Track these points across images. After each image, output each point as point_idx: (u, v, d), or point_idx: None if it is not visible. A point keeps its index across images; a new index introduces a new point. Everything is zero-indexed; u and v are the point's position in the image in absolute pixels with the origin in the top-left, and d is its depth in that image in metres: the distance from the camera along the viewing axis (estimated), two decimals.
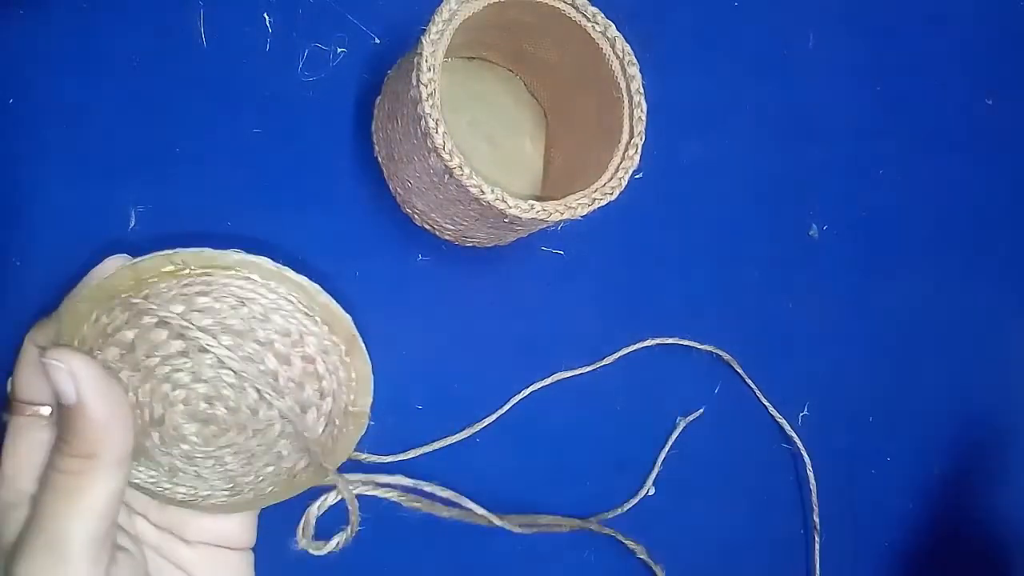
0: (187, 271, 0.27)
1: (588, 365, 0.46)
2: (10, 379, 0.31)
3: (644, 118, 0.38)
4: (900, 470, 0.54)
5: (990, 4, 0.62)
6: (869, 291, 0.55)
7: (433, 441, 0.42)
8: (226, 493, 0.31)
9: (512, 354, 0.45)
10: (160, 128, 0.39)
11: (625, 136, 0.38)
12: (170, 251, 0.27)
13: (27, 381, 0.29)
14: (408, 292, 0.43)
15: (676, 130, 0.49)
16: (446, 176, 0.35)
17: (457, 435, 0.43)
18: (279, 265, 0.27)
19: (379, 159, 0.42)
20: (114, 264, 0.29)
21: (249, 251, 0.28)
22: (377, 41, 0.43)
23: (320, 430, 0.30)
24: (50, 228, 0.37)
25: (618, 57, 0.38)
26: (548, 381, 0.45)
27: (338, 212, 0.42)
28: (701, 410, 0.48)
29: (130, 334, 0.27)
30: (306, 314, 0.28)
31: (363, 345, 0.29)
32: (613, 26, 0.38)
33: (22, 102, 0.37)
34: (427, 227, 0.42)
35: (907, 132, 0.57)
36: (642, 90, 0.38)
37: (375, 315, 0.42)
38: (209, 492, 0.30)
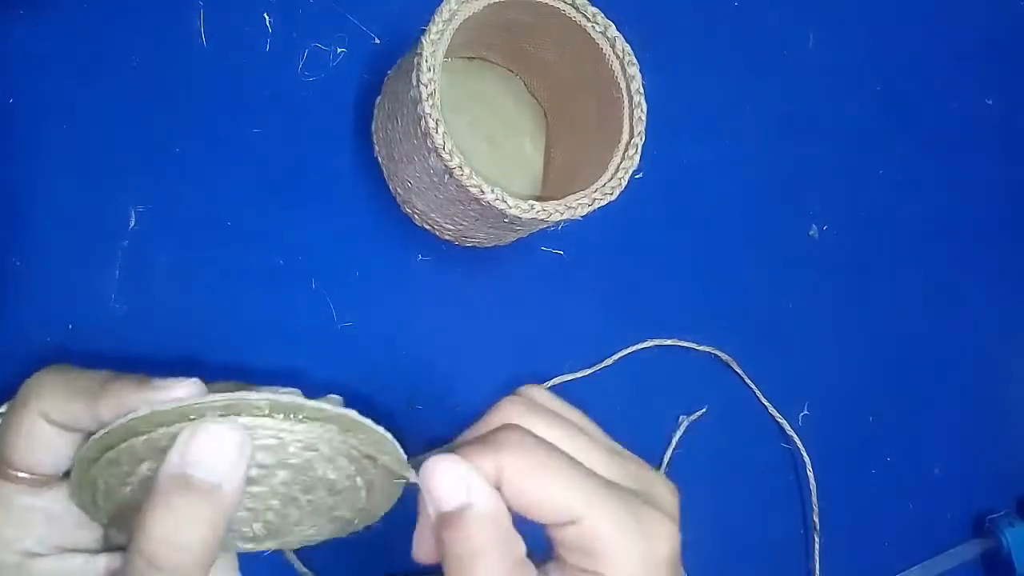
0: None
1: (588, 368, 0.46)
2: None
3: (644, 118, 0.38)
4: (900, 470, 0.54)
5: (990, 4, 0.62)
6: (869, 291, 0.55)
7: (434, 442, 0.42)
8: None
9: (512, 354, 0.45)
10: (160, 128, 0.39)
11: (625, 136, 0.38)
12: (258, 395, 0.25)
13: (21, 446, 0.27)
14: (408, 292, 0.43)
15: (676, 130, 0.49)
16: (446, 176, 0.35)
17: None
18: (363, 419, 0.27)
19: (379, 159, 0.42)
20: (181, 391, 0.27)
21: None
22: (377, 41, 0.43)
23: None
24: (50, 228, 0.37)
25: (618, 57, 0.38)
26: (548, 384, 0.45)
27: (338, 212, 0.42)
28: (704, 409, 0.48)
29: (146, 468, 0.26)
30: (367, 457, 0.28)
31: (403, 455, 0.29)
32: (613, 26, 0.38)
33: (22, 102, 0.37)
34: (427, 227, 0.42)
35: (907, 132, 0.57)
36: (642, 90, 0.38)
37: (375, 315, 0.42)
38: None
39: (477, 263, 0.44)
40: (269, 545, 0.30)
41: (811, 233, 0.53)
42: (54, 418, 0.27)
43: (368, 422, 0.27)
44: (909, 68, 0.58)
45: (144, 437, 0.25)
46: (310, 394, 0.27)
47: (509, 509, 0.26)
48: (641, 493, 0.27)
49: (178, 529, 0.24)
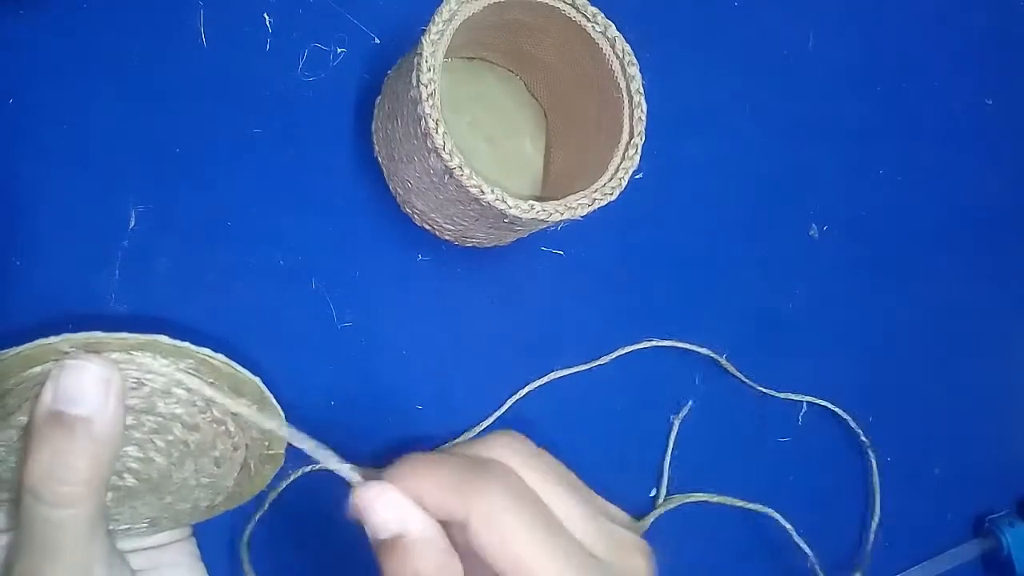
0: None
1: (586, 363, 0.46)
2: None
3: (644, 118, 0.38)
4: (900, 469, 0.54)
5: (990, 4, 0.62)
6: (869, 291, 0.55)
7: (433, 442, 0.42)
8: (144, 526, 0.31)
9: (512, 354, 0.45)
10: (160, 128, 0.39)
11: (625, 136, 0.38)
12: (57, 337, 0.25)
13: None
14: (408, 292, 0.43)
15: (676, 130, 0.49)
16: (446, 176, 0.35)
17: (458, 438, 0.43)
18: (177, 342, 0.27)
19: (379, 159, 0.42)
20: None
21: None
22: (377, 41, 0.43)
23: (235, 474, 0.31)
24: (50, 228, 0.37)
25: (618, 57, 0.38)
26: (545, 380, 0.45)
27: (338, 212, 0.42)
28: (689, 404, 0.48)
29: (24, 419, 0.26)
30: (210, 384, 0.28)
31: (274, 400, 0.29)
32: (613, 26, 0.38)
33: (22, 102, 0.37)
34: (427, 227, 0.42)
35: (907, 132, 0.57)
36: (642, 90, 0.38)
37: (375, 315, 0.42)
38: (128, 526, 0.31)
39: (477, 263, 0.44)
40: (151, 515, 0.30)
41: (811, 233, 0.53)
42: None
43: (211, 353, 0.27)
44: (909, 68, 0.58)
45: None
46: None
47: (468, 546, 0.25)
48: (614, 565, 0.26)
49: (55, 462, 0.24)
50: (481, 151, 0.44)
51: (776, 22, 0.54)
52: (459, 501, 0.24)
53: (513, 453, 0.26)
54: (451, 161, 0.34)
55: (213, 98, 0.40)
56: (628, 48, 0.38)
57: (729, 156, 0.52)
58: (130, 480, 0.29)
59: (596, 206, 0.37)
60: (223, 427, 0.29)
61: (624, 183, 0.37)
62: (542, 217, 0.36)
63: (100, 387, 0.25)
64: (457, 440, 0.43)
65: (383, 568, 0.25)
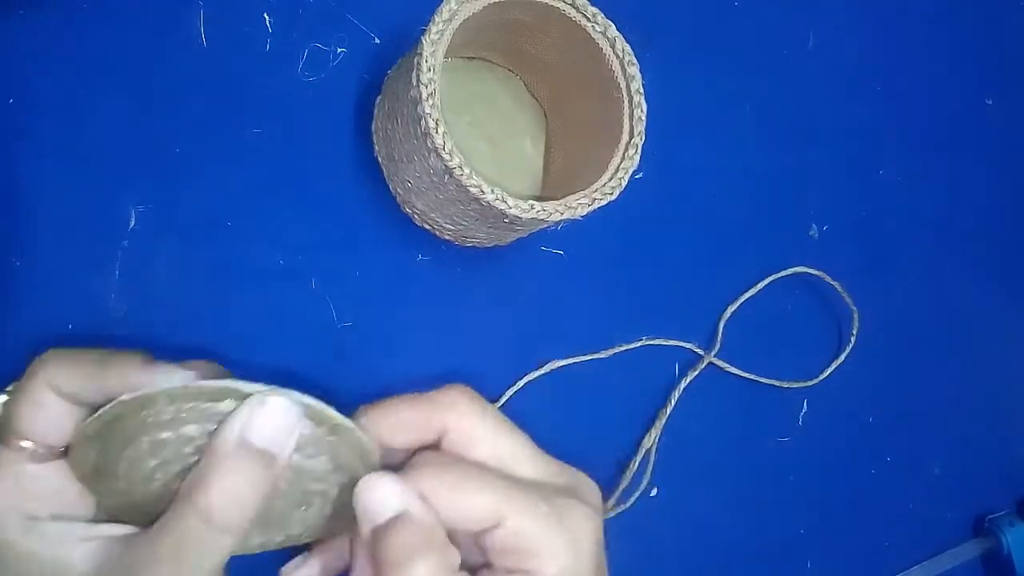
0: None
1: (583, 355, 0.46)
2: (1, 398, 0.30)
3: (644, 118, 0.38)
4: (900, 470, 0.54)
5: (990, 4, 0.62)
6: (869, 291, 0.55)
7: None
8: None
9: (512, 354, 0.45)
10: (160, 128, 0.39)
11: (625, 136, 0.38)
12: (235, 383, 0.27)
13: (30, 418, 0.28)
14: (408, 292, 0.43)
15: (676, 130, 0.49)
16: (446, 176, 0.35)
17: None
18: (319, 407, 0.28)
19: (379, 159, 0.42)
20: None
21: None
22: (377, 41, 0.43)
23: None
24: (50, 228, 0.37)
25: (618, 57, 0.38)
26: (540, 372, 0.45)
27: (338, 212, 0.42)
28: (672, 401, 0.48)
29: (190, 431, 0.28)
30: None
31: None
32: (613, 26, 0.38)
33: (22, 102, 0.37)
34: (427, 227, 0.42)
35: (907, 132, 0.57)
36: (642, 90, 0.38)
37: (375, 315, 0.42)
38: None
39: (477, 263, 0.44)
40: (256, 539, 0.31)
41: (811, 233, 0.53)
42: (62, 388, 0.28)
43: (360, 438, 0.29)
44: (909, 68, 0.58)
45: (147, 413, 0.26)
46: (304, 392, 0.28)
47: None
48: (564, 489, 0.29)
49: (236, 490, 0.26)
50: (481, 151, 0.44)
51: (776, 22, 0.54)
52: (434, 420, 0.29)
53: (467, 398, 0.30)
54: (451, 161, 0.34)
55: (213, 98, 0.40)
56: (628, 48, 0.38)
57: (729, 156, 0.52)
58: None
59: (596, 206, 0.37)
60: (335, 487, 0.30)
61: (624, 183, 0.37)
62: (542, 217, 0.36)
63: (290, 428, 0.27)
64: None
65: (378, 555, 0.26)
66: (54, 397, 0.28)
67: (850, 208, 0.55)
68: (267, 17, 0.41)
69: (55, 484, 0.29)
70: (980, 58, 0.61)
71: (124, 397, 0.26)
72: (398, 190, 0.42)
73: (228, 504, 0.26)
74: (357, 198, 0.42)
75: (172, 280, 0.38)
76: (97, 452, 0.28)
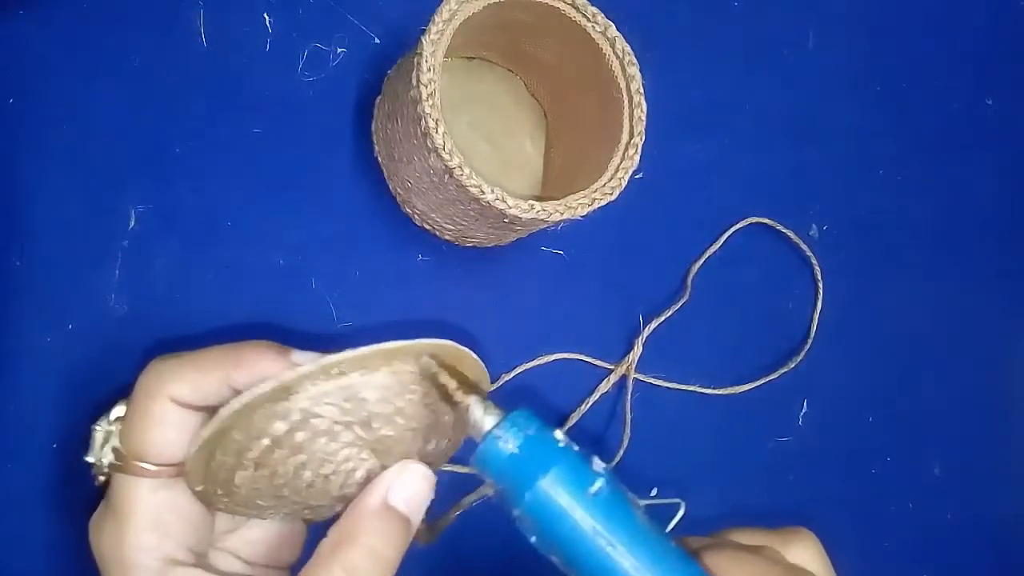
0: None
1: (579, 354, 0.46)
2: (103, 426, 0.30)
3: (644, 118, 0.38)
4: (900, 470, 0.54)
5: (990, 4, 0.62)
6: (869, 291, 0.55)
7: None
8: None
9: (512, 354, 0.45)
10: (160, 128, 0.39)
11: (625, 136, 0.38)
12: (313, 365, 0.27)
13: (154, 435, 0.28)
14: (408, 292, 0.43)
15: (676, 130, 0.49)
16: (446, 176, 0.35)
17: None
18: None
19: (379, 159, 0.42)
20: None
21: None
22: (377, 41, 0.43)
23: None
24: (50, 228, 0.37)
25: (618, 57, 0.38)
26: (534, 364, 0.45)
27: (338, 212, 0.42)
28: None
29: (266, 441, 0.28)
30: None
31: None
32: (613, 26, 0.38)
33: (22, 102, 0.37)
34: (427, 227, 0.42)
35: (907, 132, 0.57)
36: (642, 90, 0.38)
37: (375, 315, 0.42)
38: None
39: (477, 263, 0.44)
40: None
41: (811, 233, 0.53)
42: (186, 398, 0.28)
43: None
44: (909, 68, 0.58)
45: (293, 396, 0.27)
46: None
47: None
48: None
49: (382, 548, 0.27)
50: (481, 151, 0.44)
51: (776, 22, 0.54)
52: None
53: (820, 566, 0.29)
54: (451, 161, 0.34)
55: (213, 98, 0.40)
56: (628, 48, 0.38)
57: (729, 156, 0.52)
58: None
59: (596, 206, 0.37)
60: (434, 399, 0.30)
61: (624, 183, 0.37)
62: (542, 217, 0.36)
63: (425, 498, 0.29)
64: None
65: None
66: (177, 410, 0.28)
67: (850, 208, 0.55)
68: (267, 17, 0.41)
69: (185, 511, 0.29)
70: (980, 58, 0.61)
71: (263, 386, 0.26)
72: (398, 190, 0.42)
73: (372, 561, 0.27)
74: (357, 198, 0.42)
75: (172, 280, 0.38)
76: (223, 449, 0.28)
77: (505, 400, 0.28)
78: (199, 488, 0.29)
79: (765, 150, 0.53)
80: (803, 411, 0.52)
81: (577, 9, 0.38)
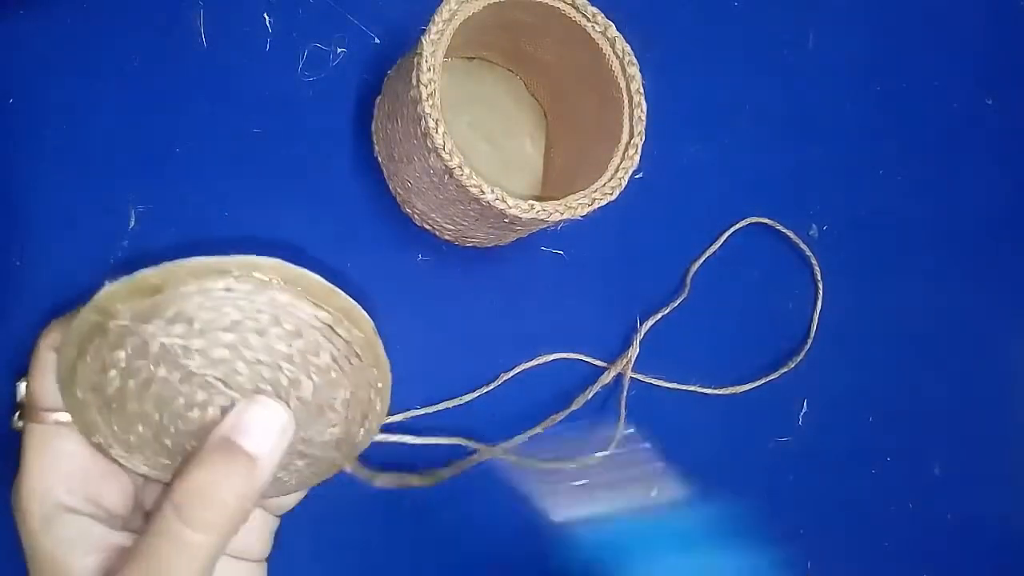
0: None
1: (574, 352, 0.46)
2: (22, 384, 0.30)
3: (644, 118, 0.38)
4: (900, 470, 0.54)
5: (990, 4, 0.62)
6: (869, 291, 0.55)
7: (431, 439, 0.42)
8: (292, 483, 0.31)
9: (512, 354, 0.45)
10: (160, 128, 0.39)
11: (625, 136, 0.38)
12: (227, 258, 0.25)
13: (47, 387, 0.28)
14: (408, 292, 0.43)
15: (676, 130, 0.49)
16: (446, 176, 0.35)
17: (456, 436, 0.43)
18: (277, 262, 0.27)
19: (379, 159, 0.42)
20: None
21: (247, 249, 0.27)
22: (377, 41, 0.43)
23: (357, 431, 0.31)
24: (50, 228, 0.37)
25: (618, 57, 0.38)
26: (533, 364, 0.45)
27: (338, 212, 0.42)
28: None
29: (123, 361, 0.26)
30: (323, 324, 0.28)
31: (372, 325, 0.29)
32: (613, 26, 0.38)
33: (22, 102, 0.37)
34: (427, 227, 0.42)
35: (907, 132, 0.57)
36: (642, 90, 0.38)
37: (375, 315, 0.42)
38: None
39: (477, 263, 0.44)
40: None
41: (811, 233, 0.53)
42: (59, 342, 0.28)
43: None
44: (909, 68, 0.58)
45: (113, 320, 0.25)
46: None
47: None
48: None
49: (211, 488, 0.25)
50: (481, 151, 0.44)
51: (776, 22, 0.54)
52: None
53: None
54: (451, 161, 0.34)
55: (213, 98, 0.40)
56: (628, 48, 0.38)
57: (729, 156, 0.52)
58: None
59: (596, 206, 0.37)
60: (333, 374, 0.28)
61: (624, 183, 0.37)
62: (542, 217, 0.36)
63: (278, 435, 0.26)
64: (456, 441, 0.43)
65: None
66: (54, 356, 0.28)
67: (850, 208, 0.55)
68: (267, 17, 0.41)
69: (80, 460, 0.28)
70: (980, 58, 0.61)
71: (82, 310, 0.25)
72: (398, 190, 0.42)
73: (198, 497, 0.25)
74: (357, 198, 0.42)
75: None
76: (78, 385, 0.27)
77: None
78: (93, 440, 0.28)
79: (765, 150, 0.53)
80: (803, 411, 0.52)
81: (577, 9, 0.38)
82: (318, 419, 0.29)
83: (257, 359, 0.26)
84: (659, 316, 0.47)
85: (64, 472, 0.28)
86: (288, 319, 0.27)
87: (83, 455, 0.29)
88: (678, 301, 0.48)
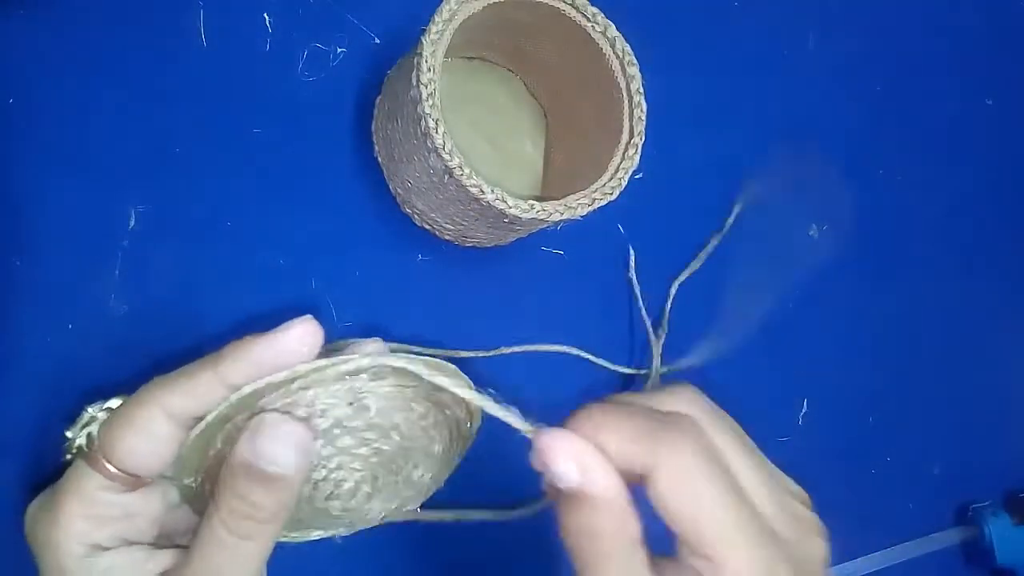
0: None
1: (571, 347, 0.46)
2: (97, 415, 0.31)
3: (644, 118, 0.38)
4: (900, 470, 0.54)
5: (990, 4, 0.62)
6: (869, 291, 0.55)
7: None
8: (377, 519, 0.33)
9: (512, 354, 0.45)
10: (160, 128, 0.39)
11: (625, 136, 0.38)
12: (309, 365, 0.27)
13: (129, 444, 0.28)
14: (408, 292, 0.43)
15: (676, 130, 0.49)
16: (446, 176, 0.35)
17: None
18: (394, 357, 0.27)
19: (379, 159, 0.42)
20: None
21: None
22: (377, 41, 0.43)
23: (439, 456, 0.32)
24: (50, 228, 0.37)
25: (618, 57, 0.38)
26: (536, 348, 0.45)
27: (338, 212, 0.42)
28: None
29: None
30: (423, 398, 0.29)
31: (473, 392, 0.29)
32: (613, 26, 0.38)
33: (22, 102, 0.37)
34: (427, 227, 0.42)
35: (907, 132, 0.57)
36: (642, 90, 0.38)
37: (375, 315, 0.42)
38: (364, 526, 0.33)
39: (477, 263, 0.44)
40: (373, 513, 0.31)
41: (811, 233, 0.53)
42: (177, 407, 0.28)
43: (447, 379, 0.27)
44: (909, 68, 0.58)
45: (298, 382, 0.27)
46: None
47: (647, 503, 0.24)
48: (792, 543, 0.25)
49: (246, 502, 0.26)
50: (481, 151, 0.44)
51: (776, 22, 0.54)
52: (647, 454, 0.23)
53: (699, 410, 0.25)
54: (451, 161, 0.34)
55: (213, 98, 0.40)
56: (628, 48, 0.38)
57: (729, 156, 0.52)
58: (365, 488, 0.30)
59: (596, 206, 0.37)
60: (435, 429, 0.30)
61: (624, 183, 0.37)
62: (542, 217, 0.36)
63: (295, 449, 0.27)
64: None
65: (560, 518, 0.24)
66: (166, 424, 0.28)
67: (850, 208, 0.55)
68: (267, 17, 0.41)
69: (131, 512, 0.29)
70: (980, 58, 0.61)
71: (275, 376, 0.26)
72: (398, 190, 0.42)
73: (236, 514, 0.26)
74: (357, 198, 0.42)
75: (172, 280, 0.38)
76: (219, 438, 0.28)
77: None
78: (189, 480, 0.29)
79: (765, 150, 0.53)
80: (803, 411, 0.52)
81: (577, 9, 0.38)
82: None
83: (398, 445, 0.29)
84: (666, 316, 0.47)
85: (111, 520, 0.28)
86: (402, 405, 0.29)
87: (122, 503, 0.29)
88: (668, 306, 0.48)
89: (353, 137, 0.42)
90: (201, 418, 0.27)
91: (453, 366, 0.28)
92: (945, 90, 0.59)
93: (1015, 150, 0.61)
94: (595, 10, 0.38)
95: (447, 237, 0.43)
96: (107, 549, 0.28)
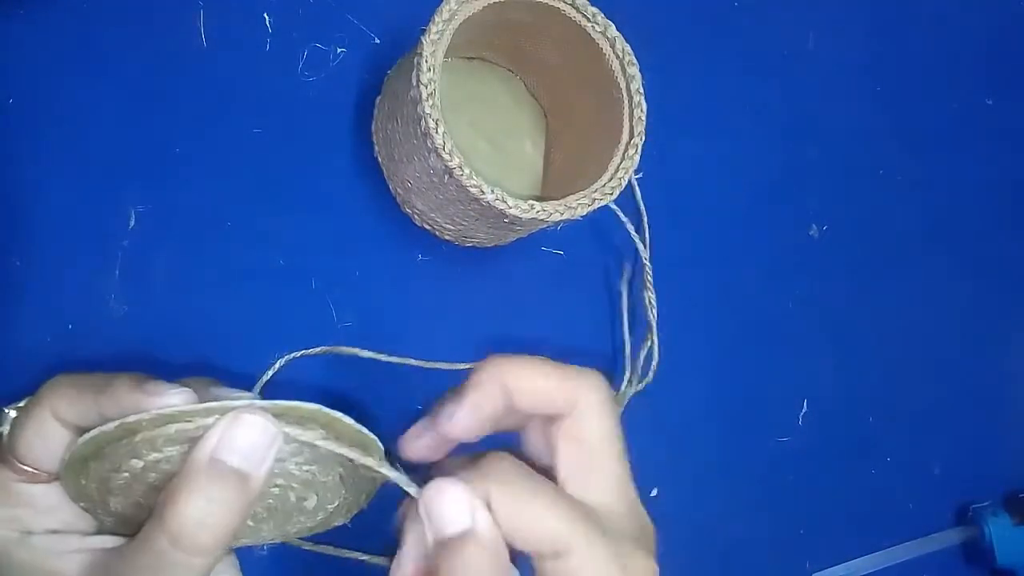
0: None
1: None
2: (11, 413, 0.31)
3: (644, 118, 0.38)
4: (900, 470, 0.54)
5: (990, 4, 0.62)
6: (869, 291, 0.55)
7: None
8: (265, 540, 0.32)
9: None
10: (160, 128, 0.39)
11: (625, 136, 0.38)
12: (215, 404, 0.26)
13: (33, 445, 0.28)
14: (408, 292, 0.43)
15: (676, 130, 0.49)
16: (446, 176, 0.35)
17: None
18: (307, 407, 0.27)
19: (379, 159, 0.42)
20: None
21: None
22: (377, 41, 0.43)
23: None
24: (50, 228, 0.37)
25: (618, 57, 0.38)
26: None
27: (338, 212, 0.42)
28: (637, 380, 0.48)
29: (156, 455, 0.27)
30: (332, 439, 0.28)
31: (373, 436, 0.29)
32: (613, 26, 0.38)
33: (22, 102, 0.37)
34: (427, 227, 0.42)
35: (907, 132, 0.57)
36: (642, 90, 0.38)
37: (375, 315, 0.42)
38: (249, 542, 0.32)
39: (477, 263, 0.44)
40: (265, 534, 0.31)
41: (811, 233, 0.53)
42: (62, 415, 0.28)
43: (355, 425, 0.28)
44: (909, 68, 0.58)
45: (130, 439, 0.26)
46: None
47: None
48: (634, 535, 0.27)
49: (206, 511, 0.25)
50: (481, 151, 0.44)
51: (776, 22, 0.54)
52: (567, 393, 0.27)
53: (603, 392, 0.28)
54: (451, 161, 0.34)
55: (213, 98, 0.40)
56: (628, 48, 0.38)
57: (729, 156, 0.52)
58: (264, 513, 0.30)
59: (596, 206, 0.37)
60: (338, 476, 0.30)
61: (624, 183, 0.37)
62: (542, 217, 0.36)
63: (266, 447, 0.26)
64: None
65: (443, 571, 0.25)
66: (55, 424, 0.28)
67: (850, 208, 0.55)
68: (267, 17, 0.41)
69: (53, 501, 0.29)
70: (980, 58, 0.61)
71: (106, 426, 0.26)
72: (398, 190, 0.42)
73: (196, 525, 0.25)
74: (357, 198, 0.42)
75: (172, 280, 0.38)
76: (86, 476, 0.28)
77: None
78: (82, 505, 0.29)
79: (765, 150, 0.53)
80: (803, 411, 0.52)
81: (577, 9, 0.38)
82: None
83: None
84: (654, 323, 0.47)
85: (33, 509, 0.29)
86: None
87: (53, 496, 0.29)
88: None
89: (353, 137, 0.42)
90: (86, 430, 0.26)
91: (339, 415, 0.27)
92: (945, 90, 0.59)
93: (1015, 150, 0.61)
94: (595, 10, 0.38)
95: (447, 237, 0.43)
96: (38, 534, 0.28)
